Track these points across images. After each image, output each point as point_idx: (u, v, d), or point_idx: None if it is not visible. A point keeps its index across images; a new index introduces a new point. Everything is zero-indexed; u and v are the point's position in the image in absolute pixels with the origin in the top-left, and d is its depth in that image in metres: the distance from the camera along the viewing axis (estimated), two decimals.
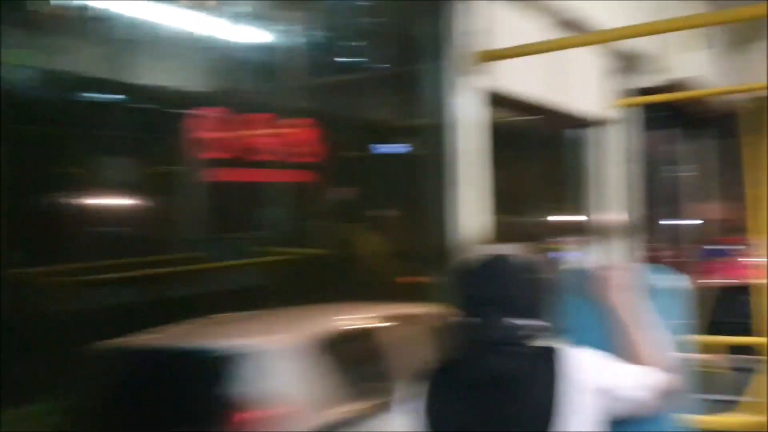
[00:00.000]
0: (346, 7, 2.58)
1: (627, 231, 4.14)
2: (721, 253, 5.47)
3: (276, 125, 2.14)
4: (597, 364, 1.93)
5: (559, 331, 2.24)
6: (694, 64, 4.14)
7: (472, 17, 2.75)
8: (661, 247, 4.83)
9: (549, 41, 3.15)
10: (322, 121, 2.29)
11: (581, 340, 2.08)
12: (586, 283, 2.19)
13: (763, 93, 3.71)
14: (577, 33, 3.39)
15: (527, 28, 3.10)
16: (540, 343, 2.18)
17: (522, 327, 2.01)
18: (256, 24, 2.39)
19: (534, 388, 1.87)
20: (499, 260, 2.33)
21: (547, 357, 1.94)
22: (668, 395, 1.97)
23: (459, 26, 2.73)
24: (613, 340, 2.10)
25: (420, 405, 2.00)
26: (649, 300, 2.13)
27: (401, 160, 2.86)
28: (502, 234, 3.41)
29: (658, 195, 4.83)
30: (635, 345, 2.04)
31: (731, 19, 4.80)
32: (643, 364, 1.97)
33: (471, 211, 2.74)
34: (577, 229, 4.08)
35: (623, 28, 3.50)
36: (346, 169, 2.49)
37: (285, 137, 2.15)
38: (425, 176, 2.81)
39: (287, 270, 2.32)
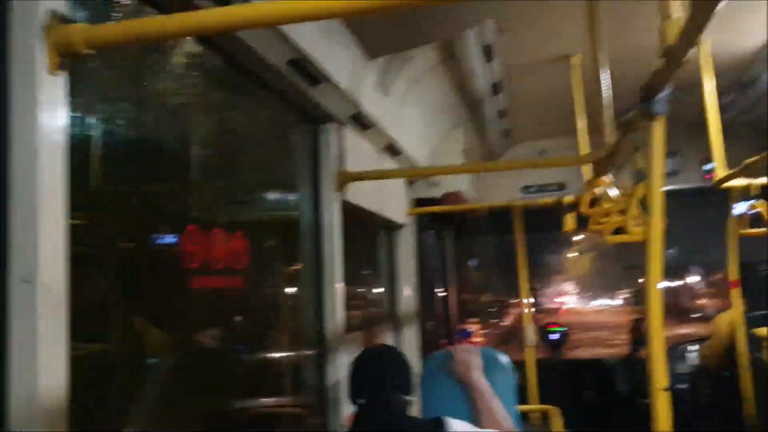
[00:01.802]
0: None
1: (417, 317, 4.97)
2: (466, 334, 6.67)
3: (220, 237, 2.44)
4: (470, 430, 2.58)
5: (427, 406, 2.86)
6: (458, 183, 5.20)
7: (336, 141, 3.36)
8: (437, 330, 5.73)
9: (388, 170, 3.95)
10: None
11: (447, 412, 2.72)
12: (449, 364, 2.85)
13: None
14: (395, 157, 4.21)
15: (366, 150, 3.80)
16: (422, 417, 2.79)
17: (406, 401, 2.63)
18: None
19: None
20: (380, 349, 2.93)
21: (436, 428, 2.55)
22: None
23: (328, 148, 3.32)
24: (471, 411, 2.78)
25: None
26: (488, 376, 2.86)
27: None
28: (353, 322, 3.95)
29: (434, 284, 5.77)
30: (489, 413, 2.74)
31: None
32: (496, 428, 2.67)
33: (336, 303, 3.25)
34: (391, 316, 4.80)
35: (440, 167, 4.53)
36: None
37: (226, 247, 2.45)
38: (300, 273, 3.27)
39: None
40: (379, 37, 3.16)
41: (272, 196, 3.30)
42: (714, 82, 4.16)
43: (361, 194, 3.62)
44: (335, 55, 2.91)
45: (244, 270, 2.65)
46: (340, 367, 3.22)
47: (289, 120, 3.22)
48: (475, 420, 2.75)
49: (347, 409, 3.09)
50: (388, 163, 4.20)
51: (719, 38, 4.19)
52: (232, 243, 2.52)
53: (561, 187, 6.49)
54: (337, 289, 3.25)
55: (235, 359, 2.73)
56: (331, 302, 3.25)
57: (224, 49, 2.39)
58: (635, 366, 6.17)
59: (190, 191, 2.54)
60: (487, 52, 4.04)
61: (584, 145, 4.43)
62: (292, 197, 3.30)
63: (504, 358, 3.03)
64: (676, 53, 1.59)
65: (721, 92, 5.20)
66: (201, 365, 2.51)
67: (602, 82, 3.19)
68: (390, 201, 4.27)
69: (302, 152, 3.32)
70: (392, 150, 4.11)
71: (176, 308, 2.30)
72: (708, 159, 6.12)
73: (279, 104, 3.08)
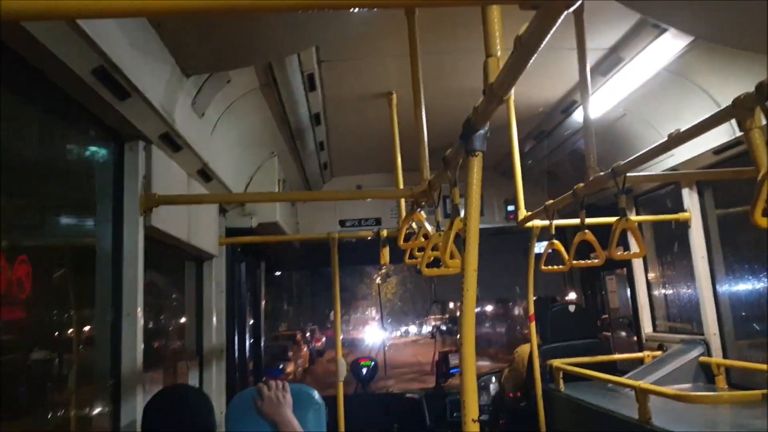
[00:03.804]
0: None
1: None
2: (277, 372, 6.49)
3: None
4: None
5: None
6: (274, 214, 5.09)
7: (142, 161, 3.11)
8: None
9: (198, 195, 3.73)
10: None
11: None
12: (257, 402, 2.72)
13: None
14: (207, 183, 3.99)
15: (175, 173, 3.56)
16: None
17: None
18: None
19: None
20: (179, 389, 2.73)
21: None
22: None
23: (132, 169, 3.06)
24: None
25: None
26: (298, 413, 2.77)
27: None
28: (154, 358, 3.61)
29: (247, 316, 5.54)
30: None
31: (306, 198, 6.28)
32: None
33: (135, 337, 2.97)
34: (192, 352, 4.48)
35: (254, 194, 4.37)
36: None
37: None
38: (96, 304, 2.94)
39: None
40: (194, 53, 2.99)
41: (66, 218, 2.96)
42: (516, 130, 4.46)
43: (169, 220, 3.38)
44: (148, 68, 2.69)
45: (28, 300, 2.33)
46: (137, 406, 2.94)
47: (90, 135, 2.92)
48: None
49: None
50: (200, 189, 3.98)
51: (521, 91, 4.52)
52: (13, 270, 2.20)
53: (378, 221, 6.61)
54: (136, 321, 2.97)
55: (13, 401, 2.37)
56: (130, 336, 2.97)
57: (11, 46, 2.10)
58: (441, 398, 6.35)
59: None
60: (311, 81, 4.00)
61: (401, 181, 4.53)
62: (89, 220, 2.99)
63: (315, 394, 2.94)
64: (497, 91, 1.62)
65: (522, 140, 5.61)
66: None
67: (420, 120, 3.26)
68: (200, 229, 4.05)
69: (104, 171, 3.03)
70: (204, 175, 3.90)
71: None
72: (510, 201, 6.58)
73: (79, 116, 2.78)
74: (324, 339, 24.92)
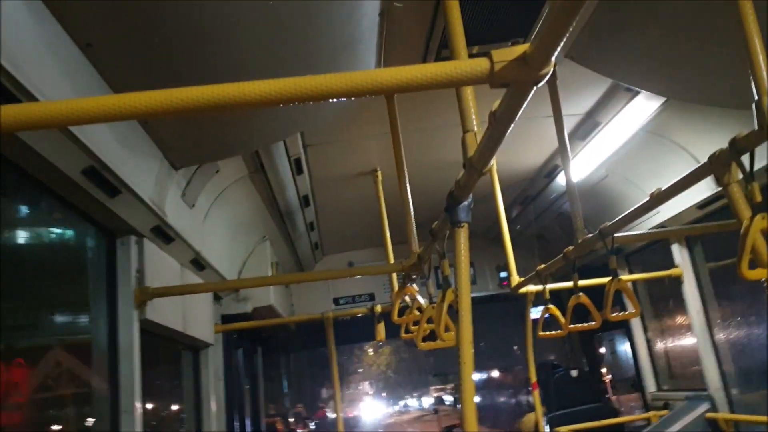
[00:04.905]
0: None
1: None
2: None
3: None
4: None
5: None
6: (268, 297, 5.08)
7: (135, 255, 3.13)
8: None
9: (192, 285, 3.74)
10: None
11: None
12: None
13: None
14: (201, 272, 4.01)
15: (168, 265, 3.58)
16: None
17: None
18: None
19: None
20: None
21: None
22: None
23: (126, 263, 3.07)
24: None
25: None
26: None
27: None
28: None
29: (245, 404, 5.44)
30: None
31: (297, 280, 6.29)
32: None
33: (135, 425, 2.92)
34: None
35: (247, 280, 4.39)
36: None
37: None
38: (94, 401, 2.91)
39: None
40: (182, 147, 3.07)
41: (61, 316, 2.96)
42: (501, 197, 4.52)
43: (164, 312, 3.37)
44: (137, 165, 2.75)
45: (24, 404, 2.30)
46: None
47: (82, 232, 2.96)
48: None
49: None
50: (193, 278, 3.99)
51: (503, 159, 4.61)
52: (9, 374, 2.19)
53: (371, 297, 6.60)
54: (134, 419, 2.93)
55: None
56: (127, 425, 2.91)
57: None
58: None
59: None
60: (298, 165, 4.09)
61: (391, 255, 4.55)
62: (84, 317, 2.99)
63: None
64: (476, 164, 1.68)
65: (509, 206, 5.68)
66: None
67: (405, 194, 3.32)
68: (195, 318, 4.03)
69: (97, 268, 3.05)
70: (198, 264, 3.92)
71: None
72: (502, 267, 6.59)
73: (70, 215, 2.82)
74: (313, 425, 23.07)
